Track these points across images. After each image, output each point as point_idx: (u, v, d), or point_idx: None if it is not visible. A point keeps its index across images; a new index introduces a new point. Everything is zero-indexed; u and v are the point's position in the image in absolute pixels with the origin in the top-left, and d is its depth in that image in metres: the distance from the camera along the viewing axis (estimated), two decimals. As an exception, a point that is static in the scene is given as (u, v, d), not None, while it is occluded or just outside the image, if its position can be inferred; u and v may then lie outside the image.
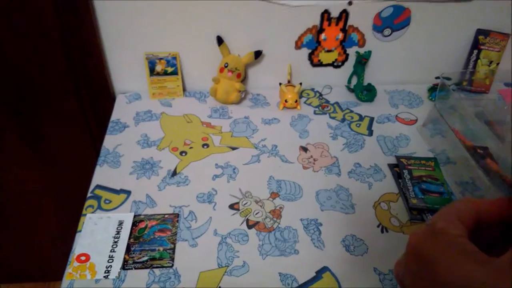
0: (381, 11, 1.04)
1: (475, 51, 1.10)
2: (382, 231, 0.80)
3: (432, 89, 1.13)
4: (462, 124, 0.89)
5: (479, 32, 1.08)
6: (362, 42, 1.10)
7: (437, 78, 1.09)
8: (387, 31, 1.08)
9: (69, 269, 0.73)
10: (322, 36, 1.07)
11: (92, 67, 1.07)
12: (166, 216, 0.82)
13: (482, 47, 1.09)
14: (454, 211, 0.34)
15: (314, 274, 0.73)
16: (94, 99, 1.13)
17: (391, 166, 0.93)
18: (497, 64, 1.10)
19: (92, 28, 1.00)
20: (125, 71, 1.11)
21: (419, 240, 0.34)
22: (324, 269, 0.74)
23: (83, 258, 0.74)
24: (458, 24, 1.09)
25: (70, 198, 1.35)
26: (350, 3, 1.02)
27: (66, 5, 0.96)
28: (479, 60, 1.10)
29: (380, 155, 0.97)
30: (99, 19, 1.01)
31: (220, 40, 1.05)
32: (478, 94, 1.11)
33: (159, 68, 1.08)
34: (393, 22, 1.06)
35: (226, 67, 1.06)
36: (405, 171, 0.90)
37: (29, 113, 1.16)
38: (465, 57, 1.13)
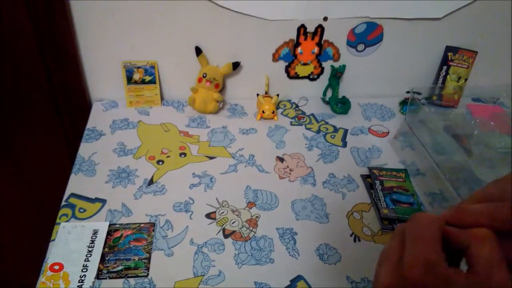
0: (355, 27, 1.08)
1: (445, 67, 1.14)
2: (354, 240, 0.83)
3: (404, 103, 1.17)
4: (431, 137, 0.93)
5: (448, 49, 1.13)
6: (337, 57, 1.13)
7: (408, 92, 1.12)
8: (360, 47, 1.12)
9: (42, 278, 0.72)
10: (299, 49, 1.10)
11: (68, 73, 1.06)
12: (142, 225, 0.82)
13: (451, 63, 1.13)
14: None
15: (289, 282, 0.74)
16: (69, 106, 1.12)
17: (364, 177, 0.96)
18: (465, 80, 1.15)
19: (69, 34, 0.99)
20: (102, 78, 1.10)
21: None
22: (299, 277, 0.75)
23: (56, 267, 0.73)
24: (428, 41, 1.13)
25: (44, 206, 1.32)
26: (325, 19, 1.05)
27: (41, 9, 0.95)
28: (448, 76, 1.15)
29: (353, 166, 1.00)
30: (76, 25, 1.00)
31: (198, 51, 1.06)
32: (447, 109, 1.15)
33: (136, 76, 1.08)
34: (366, 38, 1.10)
35: (204, 77, 1.07)
36: (377, 182, 0.92)
37: (1, 120, 1.14)
38: (435, 73, 1.18)
